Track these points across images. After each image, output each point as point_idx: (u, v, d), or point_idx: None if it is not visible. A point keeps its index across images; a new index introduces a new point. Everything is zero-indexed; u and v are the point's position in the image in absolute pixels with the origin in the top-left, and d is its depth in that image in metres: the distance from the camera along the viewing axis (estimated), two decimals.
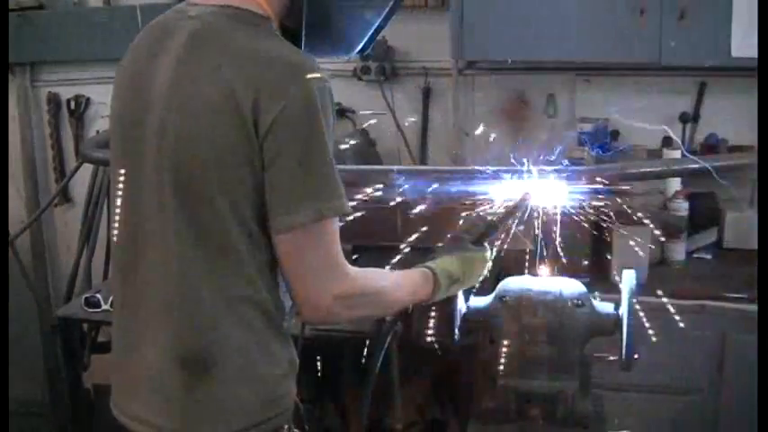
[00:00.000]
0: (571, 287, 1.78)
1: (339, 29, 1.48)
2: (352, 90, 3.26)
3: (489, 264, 1.66)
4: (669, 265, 2.73)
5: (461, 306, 1.76)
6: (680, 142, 2.78)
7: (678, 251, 2.74)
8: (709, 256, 2.83)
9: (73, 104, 3.58)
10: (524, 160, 1.71)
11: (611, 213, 1.87)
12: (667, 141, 2.89)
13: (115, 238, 1.43)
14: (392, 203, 1.91)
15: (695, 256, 2.82)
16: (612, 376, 1.87)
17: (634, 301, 1.69)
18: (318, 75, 1.29)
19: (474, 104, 3.19)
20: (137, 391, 1.41)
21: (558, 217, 1.74)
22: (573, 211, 1.75)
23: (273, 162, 1.27)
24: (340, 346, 2.30)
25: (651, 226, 2.24)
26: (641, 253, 2.44)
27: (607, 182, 1.83)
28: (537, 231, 1.75)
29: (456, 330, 1.74)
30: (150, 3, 3.14)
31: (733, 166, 2.14)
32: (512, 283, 1.80)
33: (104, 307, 2.61)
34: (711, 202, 2.88)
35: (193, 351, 1.34)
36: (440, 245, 1.66)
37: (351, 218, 1.36)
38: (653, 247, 2.54)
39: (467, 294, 1.76)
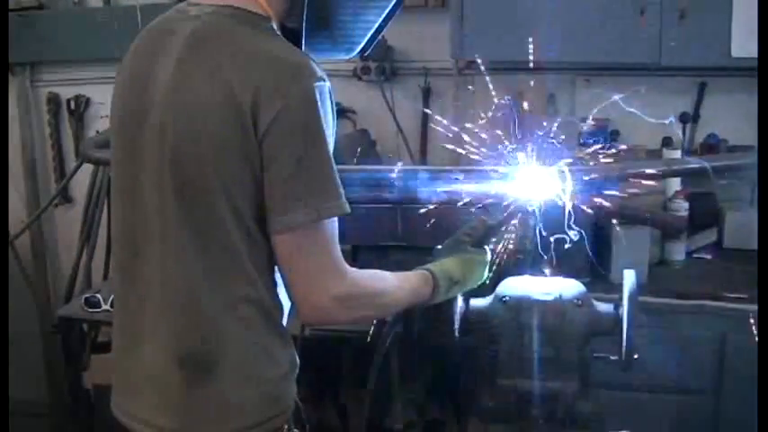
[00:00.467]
0: (571, 287, 1.78)
1: (340, 29, 1.48)
2: (352, 90, 3.26)
3: (488, 266, 1.67)
4: (669, 265, 2.72)
5: (461, 306, 1.76)
6: (681, 137, 2.78)
7: (678, 251, 2.74)
8: (709, 256, 2.82)
9: (73, 104, 3.58)
10: (524, 160, 1.71)
11: (612, 213, 1.87)
12: (667, 141, 2.89)
13: (115, 238, 1.44)
14: (392, 203, 1.91)
15: (695, 256, 2.81)
16: (612, 376, 1.87)
17: (634, 300, 1.69)
18: (318, 75, 1.29)
19: (474, 104, 3.19)
20: (137, 390, 1.41)
21: (558, 217, 1.74)
22: (573, 211, 1.74)
23: (273, 162, 1.27)
24: (340, 346, 2.30)
25: (651, 226, 2.24)
26: (641, 253, 2.44)
27: (607, 182, 1.83)
28: (537, 231, 1.75)
29: (456, 330, 1.74)
30: (150, 3, 3.13)
31: (733, 166, 2.14)
32: (511, 284, 1.80)
33: (104, 307, 2.61)
34: (711, 202, 2.87)
35: (193, 351, 1.35)
36: (439, 246, 1.66)
37: (351, 218, 1.36)
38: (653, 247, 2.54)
39: (466, 295, 1.76)
